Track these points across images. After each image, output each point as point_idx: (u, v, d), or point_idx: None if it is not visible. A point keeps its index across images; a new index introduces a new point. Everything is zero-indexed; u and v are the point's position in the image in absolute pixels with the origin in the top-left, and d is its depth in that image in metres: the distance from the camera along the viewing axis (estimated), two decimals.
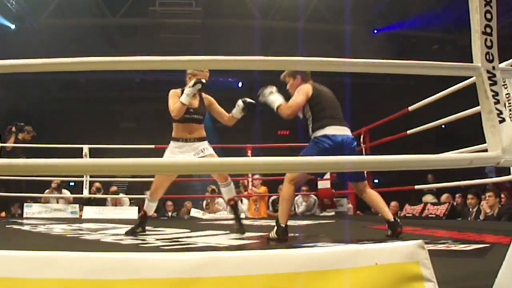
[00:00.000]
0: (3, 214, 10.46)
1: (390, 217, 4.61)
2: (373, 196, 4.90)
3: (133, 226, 5.80)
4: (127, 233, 5.59)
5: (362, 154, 4.14)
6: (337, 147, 4.68)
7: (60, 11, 15.01)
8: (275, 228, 4.70)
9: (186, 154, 5.44)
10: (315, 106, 4.93)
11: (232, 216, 6.01)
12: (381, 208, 4.76)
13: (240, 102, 5.45)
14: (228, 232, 5.73)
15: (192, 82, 5.28)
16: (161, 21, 15.30)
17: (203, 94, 5.63)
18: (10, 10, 14.31)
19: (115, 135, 17.30)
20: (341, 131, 4.82)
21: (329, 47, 15.56)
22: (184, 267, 1.55)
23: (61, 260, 1.54)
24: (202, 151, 5.44)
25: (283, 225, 4.67)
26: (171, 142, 5.59)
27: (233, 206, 5.73)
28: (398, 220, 4.63)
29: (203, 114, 5.60)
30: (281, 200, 4.90)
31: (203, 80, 5.31)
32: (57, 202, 10.71)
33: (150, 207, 5.83)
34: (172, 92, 5.56)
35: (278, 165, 2.16)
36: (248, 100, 5.44)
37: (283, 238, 4.64)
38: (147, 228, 5.94)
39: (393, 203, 10.88)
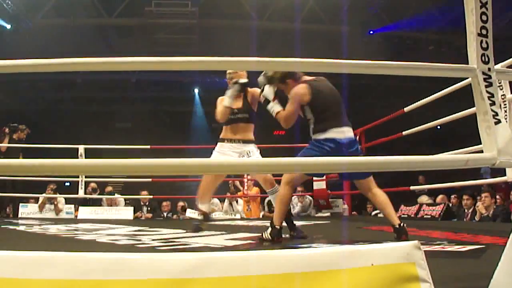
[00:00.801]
0: None
1: (396, 222, 4.40)
2: (380, 197, 4.63)
3: (197, 223, 5.87)
4: (194, 230, 5.71)
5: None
6: (338, 150, 4.46)
7: (56, 11, 15.01)
8: (269, 229, 4.65)
9: (231, 155, 5.42)
10: (316, 107, 4.64)
11: (227, 217, 5.98)
12: (387, 212, 4.53)
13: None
14: (223, 232, 5.73)
15: (232, 83, 5.27)
16: (157, 22, 15.29)
17: (247, 91, 5.50)
18: (6, 10, 14.28)
19: (111, 136, 17.26)
20: (343, 133, 4.57)
21: (325, 48, 15.56)
22: (180, 267, 1.55)
23: (57, 261, 1.54)
24: (248, 154, 5.40)
25: (278, 227, 4.62)
26: (218, 143, 5.58)
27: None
28: (404, 226, 4.38)
29: (249, 112, 5.49)
30: (277, 202, 4.78)
31: (242, 81, 5.26)
32: (51, 203, 10.62)
33: (206, 208, 5.85)
34: (219, 99, 5.51)
35: (274, 166, 2.15)
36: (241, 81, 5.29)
37: (277, 240, 4.60)
38: (142, 228, 5.97)
39: None
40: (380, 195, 4.64)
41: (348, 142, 4.55)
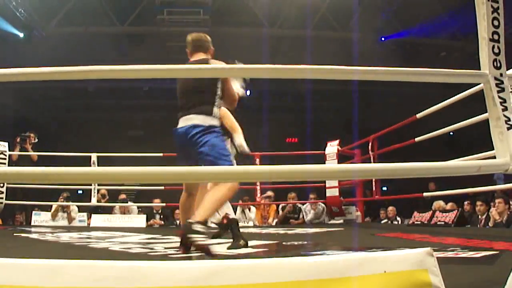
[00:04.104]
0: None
1: (195, 218, 3.78)
2: (210, 192, 4.01)
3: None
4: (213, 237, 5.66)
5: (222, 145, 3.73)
6: (180, 140, 4.19)
7: (69, 19, 15.10)
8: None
9: None
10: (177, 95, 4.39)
11: (240, 224, 5.97)
12: (204, 200, 3.97)
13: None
14: None
15: None
16: (169, 30, 15.34)
17: None
18: (18, 18, 14.38)
19: (123, 144, 17.31)
20: (185, 121, 4.17)
21: (337, 54, 15.56)
22: (194, 275, 1.55)
23: (70, 268, 1.55)
24: None
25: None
26: None
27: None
28: (194, 226, 3.68)
29: None
30: None
31: None
32: (63, 212, 10.61)
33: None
34: None
35: (286, 173, 2.16)
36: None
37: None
38: (155, 236, 6.00)
39: (390, 208, 11.04)
40: (215, 189, 4.01)
41: (186, 129, 4.14)
